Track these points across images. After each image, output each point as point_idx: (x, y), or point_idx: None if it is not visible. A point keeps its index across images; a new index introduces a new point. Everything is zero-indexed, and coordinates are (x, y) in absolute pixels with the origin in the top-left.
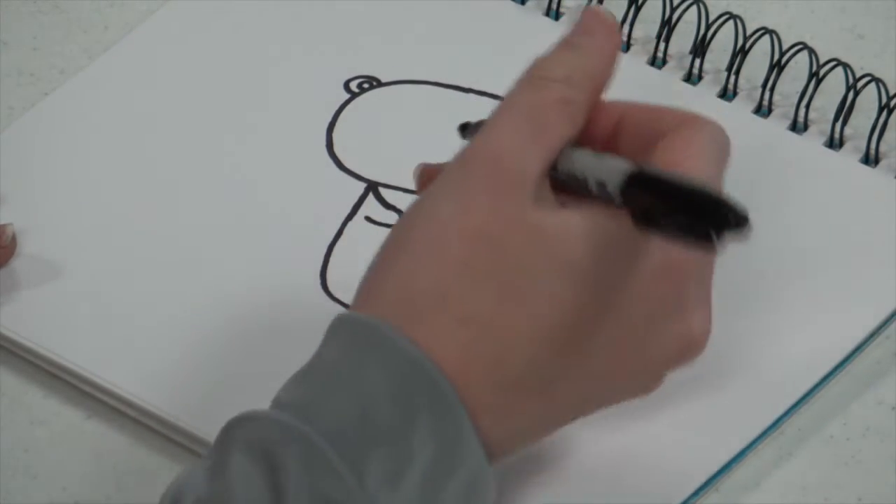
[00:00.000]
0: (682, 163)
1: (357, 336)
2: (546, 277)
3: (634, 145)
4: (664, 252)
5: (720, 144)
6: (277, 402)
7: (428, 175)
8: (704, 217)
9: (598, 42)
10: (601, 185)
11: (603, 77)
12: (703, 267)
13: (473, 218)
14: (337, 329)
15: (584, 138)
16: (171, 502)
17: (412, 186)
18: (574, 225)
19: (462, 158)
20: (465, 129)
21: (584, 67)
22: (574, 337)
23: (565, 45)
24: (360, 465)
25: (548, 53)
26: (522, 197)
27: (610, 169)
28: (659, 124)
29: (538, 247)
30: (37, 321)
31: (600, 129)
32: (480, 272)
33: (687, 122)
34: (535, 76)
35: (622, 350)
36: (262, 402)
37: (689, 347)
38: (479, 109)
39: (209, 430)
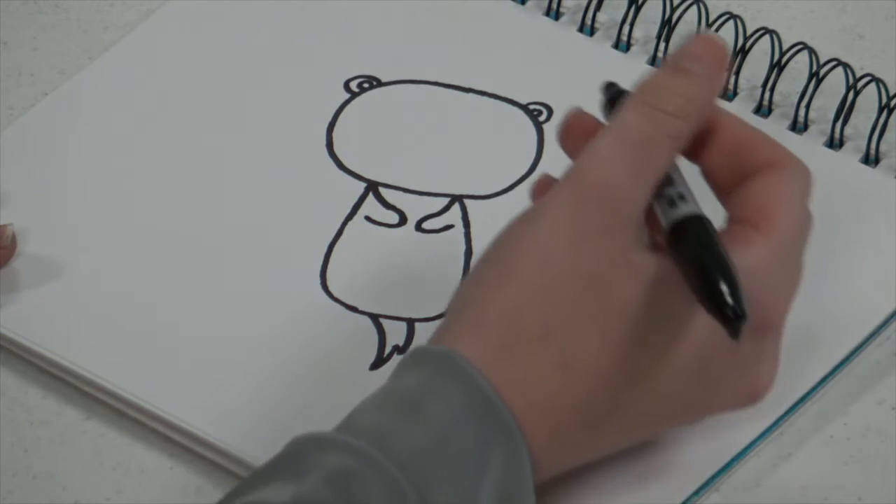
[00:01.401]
0: (771, 212)
1: (440, 368)
2: (644, 322)
3: (723, 163)
4: (752, 307)
5: (806, 190)
6: (353, 427)
7: (542, 187)
8: (711, 305)
9: (710, 70)
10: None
11: (710, 107)
12: (781, 324)
13: (585, 262)
14: (420, 359)
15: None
16: None
17: (412, 186)
18: (670, 271)
19: (574, 187)
20: (610, 89)
21: (696, 99)
22: (660, 383)
23: (677, 70)
24: (430, 499)
25: (660, 78)
26: (630, 237)
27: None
28: (754, 154)
29: (638, 287)
30: (37, 321)
31: (712, 151)
32: (587, 315)
33: (777, 162)
34: (649, 105)
35: (691, 396)
36: (261, 401)
37: (751, 398)
38: (480, 109)
39: (209, 430)
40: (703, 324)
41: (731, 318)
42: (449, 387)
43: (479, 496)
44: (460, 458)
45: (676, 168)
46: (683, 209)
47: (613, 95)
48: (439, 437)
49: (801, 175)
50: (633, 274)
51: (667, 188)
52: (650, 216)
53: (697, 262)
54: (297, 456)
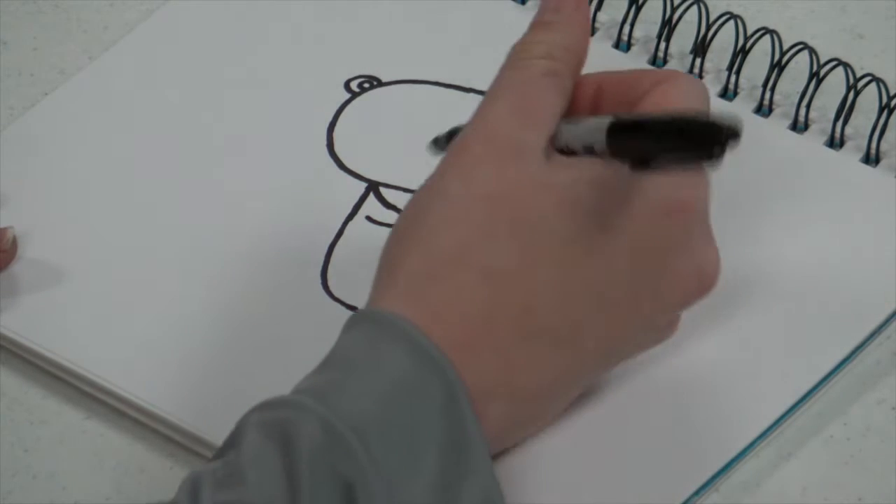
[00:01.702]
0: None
1: (374, 329)
2: (562, 226)
3: (619, 106)
4: (663, 193)
5: (698, 92)
6: (296, 389)
7: None
8: (696, 139)
9: (569, 16)
10: (589, 148)
11: (581, 47)
12: (701, 205)
13: (481, 185)
14: (354, 323)
15: (568, 113)
16: (190, 486)
17: (413, 186)
18: (581, 171)
19: (459, 142)
20: (437, 142)
21: (561, 41)
22: (593, 281)
23: (538, 25)
24: (376, 448)
25: (524, 36)
26: (525, 163)
27: (591, 129)
28: (637, 88)
29: (550, 198)
30: (37, 322)
31: (582, 102)
32: (499, 230)
33: (662, 78)
34: (516, 58)
35: (638, 291)
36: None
37: (701, 282)
38: None
39: (209, 430)
40: (631, 218)
41: (733, 127)
42: (378, 339)
43: (419, 433)
44: (392, 396)
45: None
46: (598, 130)
47: (437, 141)
48: (370, 383)
49: (692, 83)
50: (537, 185)
51: (575, 144)
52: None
53: (658, 123)
54: (238, 422)
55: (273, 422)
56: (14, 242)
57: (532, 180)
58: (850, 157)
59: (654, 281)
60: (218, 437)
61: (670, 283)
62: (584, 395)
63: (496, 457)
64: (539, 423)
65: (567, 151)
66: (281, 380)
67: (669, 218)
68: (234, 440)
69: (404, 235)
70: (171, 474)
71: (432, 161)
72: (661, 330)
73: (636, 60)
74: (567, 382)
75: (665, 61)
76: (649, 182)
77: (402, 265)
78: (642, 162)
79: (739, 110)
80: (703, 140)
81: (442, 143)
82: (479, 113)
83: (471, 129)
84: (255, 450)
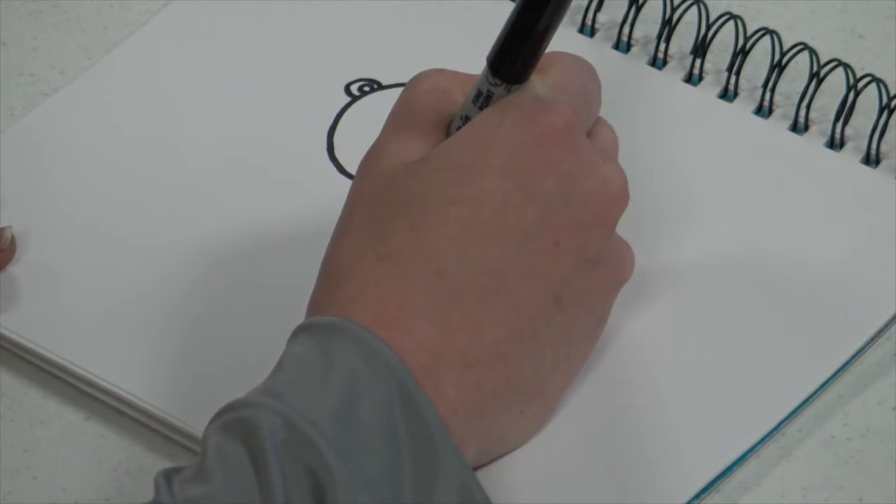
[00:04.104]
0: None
1: (319, 333)
2: (446, 188)
3: None
4: (539, 121)
5: (585, 66)
6: (249, 394)
7: None
8: None
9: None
10: (478, 96)
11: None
12: (578, 128)
13: (366, 189)
14: (299, 332)
15: None
16: (162, 480)
17: None
18: (452, 138)
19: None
20: None
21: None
22: (497, 228)
23: None
24: (337, 440)
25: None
26: (401, 166)
27: (480, 76)
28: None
29: (429, 170)
30: (37, 322)
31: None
32: (385, 217)
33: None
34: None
35: (545, 225)
36: None
37: (609, 194)
38: None
39: None
40: (517, 152)
41: None
42: (326, 341)
43: (376, 427)
44: (346, 392)
45: None
46: (483, 74)
47: None
48: (323, 381)
49: (574, 57)
50: (419, 168)
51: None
52: None
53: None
54: (203, 434)
55: (234, 421)
56: (13, 242)
57: (410, 166)
58: (850, 157)
59: (560, 207)
60: None
61: (579, 202)
62: (584, 397)
63: (494, 460)
64: (500, 398)
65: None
66: None
67: (546, 142)
68: (201, 448)
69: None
70: None
71: None
72: (592, 265)
73: (636, 61)
74: (518, 338)
75: (665, 62)
76: (511, 121)
77: (317, 291)
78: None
79: (739, 111)
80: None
81: None
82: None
83: (365, 156)
84: (219, 448)
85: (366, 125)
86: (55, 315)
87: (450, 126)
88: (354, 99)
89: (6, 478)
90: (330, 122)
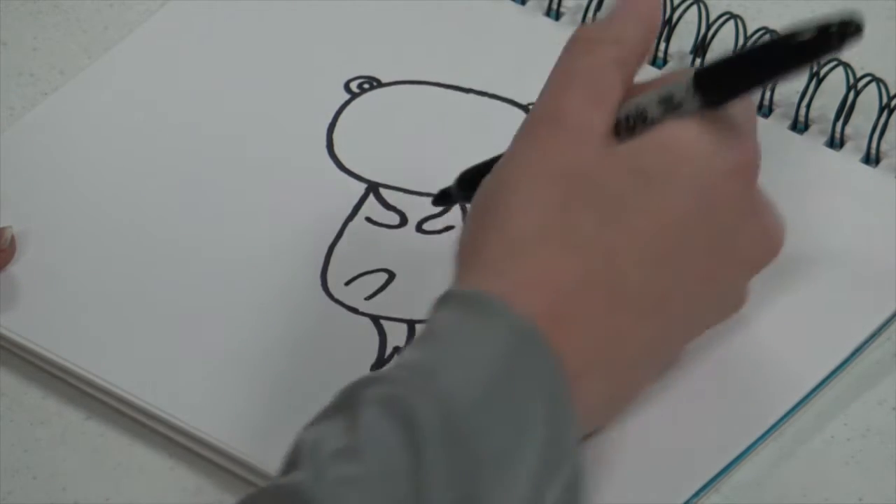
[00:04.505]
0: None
1: (471, 308)
2: (636, 195)
3: None
4: (733, 153)
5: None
6: (399, 364)
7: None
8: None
9: (642, 9)
10: (667, 99)
11: (647, 41)
12: (758, 163)
13: (555, 161)
14: (447, 301)
15: None
16: (310, 449)
17: (413, 187)
18: (644, 141)
19: (530, 125)
20: (444, 197)
21: (631, 31)
22: (672, 246)
23: (610, 14)
24: (486, 431)
25: (596, 23)
26: (595, 141)
27: (674, 81)
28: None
29: (621, 169)
30: (37, 322)
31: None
32: (575, 204)
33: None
34: (585, 40)
35: (714, 254)
36: (262, 401)
37: (772, 242)
38: (479, 109)
39: (209, 430)
40: (701, 179)
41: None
42: (477, 318)
43: (523, 415)
44: (496, 377)
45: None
46: (684, 75)
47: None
48: (473, 363)
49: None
50: (614, 161)
51: (648, 104)
52: None
53: (767, 52)
54: (346, 397)
55: (389, 399)
56: (13, 242)
57: (603, 156)
58: (850, 157)
59: (728, 242)
60: (218, 436)
61: (744, 244)
62: None
63: None
64: (628, 399)
65: (624, 127)
66: (281, 380)
67: (739, 176)
68: (343, 409)
69: (483, 220)
70: (171, 474)
71: (432, 162)
72: (737, 296)
73: None
74: (655, 353)
75: (665, 61)
76: (709, 144)
77: (484, 248)
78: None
79: None
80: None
81: (454, 193)
82: (549, 95)
83: (542, 112)
84: (373, 427)
85: (365, 122)
86: (55, 315)
87: (623, 102)
88: (354, 96)
89: (6, 478)
90: (329, 120)
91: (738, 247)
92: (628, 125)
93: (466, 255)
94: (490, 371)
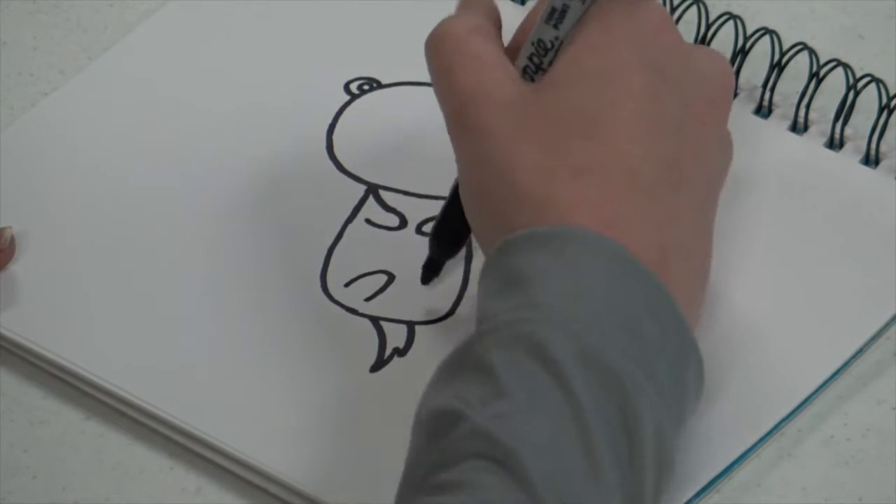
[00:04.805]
0: None
1: (558, 243)
2: (598, 97)
3: None
4: (648, 13)
5: None
6: (507, 309)
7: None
8: None
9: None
10: (552, 14)
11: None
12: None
13: (490, 125)
14: (523, 242)
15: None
16: (454, 405)
17: (413, 189)
18: (572, 54)
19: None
20: (430, 268)
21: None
22: (658, 115)
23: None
24: (612, 344)
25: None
26: (524, 87)
27: None
28: None
29: (564, 84)
30: (37, 322)
31: None
32: (547, 139)
33: None
34: (446, 37)
35: (686, 108)
36: (263, 401)
37: (725, 71)
38: None
39: (208, 430)
40: (640, 48)
41: None
42: (573, 250)
43: (646, 335)
44: (599, 293)
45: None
46: None
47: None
48: (607, 307)
49: None
50: (555, 89)
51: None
52: None
53: None
54: (458, 358)
55: (513, 338)
56: (13, 241)
57: (543, 88)
58: (849, 158)
59: (690, 88)
60: (218, 436)
61: (701, 81)
62: None
63: None
64: (704, 284)
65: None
66: (280, 380)
67: (662, 28)
68: (465, 368)
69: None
70: (171, 474)
71: (433, 164)
72: (725, 139)
73: None
74: (704, 222)
75: None
76: (624, 17)
77: (528, 193)
78: None
79: (739, 111)
80: None
81: (436, 255)
82: (451, 93)
83: (459, 105)
84: (510, 364)
85: (365, 124)
86: (55, 315)
87: (517, 55)
88: (354, 97)
89: (6, 478)
90: (329, 121)
91: (703, 87)
92: (534, 63)
93: (488, 237)
94: (593, 290)
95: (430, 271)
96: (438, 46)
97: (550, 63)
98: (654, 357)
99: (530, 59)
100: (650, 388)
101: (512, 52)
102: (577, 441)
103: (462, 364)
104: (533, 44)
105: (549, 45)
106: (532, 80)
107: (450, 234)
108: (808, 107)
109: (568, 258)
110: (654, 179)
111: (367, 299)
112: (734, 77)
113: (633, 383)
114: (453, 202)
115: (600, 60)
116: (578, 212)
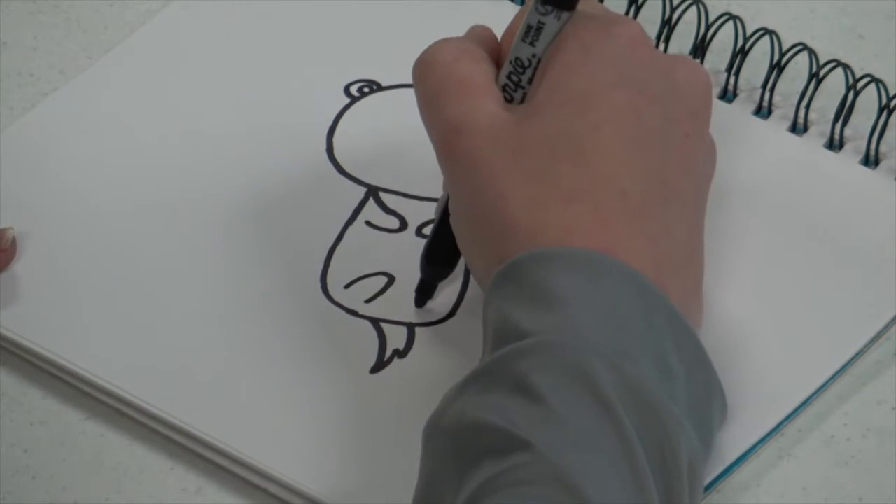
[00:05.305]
0: None
1: (585, 266)
2: (579, 117)
3: None
4: (621, 28)
5: None
6: (544, 332)
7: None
8: None
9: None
10: (527, 32)
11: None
12: (643, 34)
13: (475, 157)
14: (545, 261)
15: None
16: (499, 434)
17: (413, 191)
18: (552, 74)
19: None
20: (424, 290)
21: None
22: (647, 129)
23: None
24: (659, 378)
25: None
26: (508, 113)
27: (525, 15)
28: None
29: (545, 110)
30: (37, 322)
31: None
32: (533, 168)
33: None
34: (429, 62)
35: (668, 121)
36: (263, 402)
37: (705, 81)
38: None
39: (208, 430)
40: (614, 64)
41: None
42: (596, 273)
43: (668, 358)
44: (629, 316)
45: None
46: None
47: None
48: (634, 331)
49: None
50: (539, 112)
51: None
52: None
53: None
54: (496, 369)
55: (557, 366)
56: (14, 242)
57: (529, 112)
58: (849, 158)
59: (671, 99)
60: (218, 436)
61: (680, 94)
62: None
63: None
64: (698, 289)
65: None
66: (280, 381)
67: (637, 44)
68: (506, 383)
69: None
70: (171, 474)
71: (432, 166)
72: (709, 146)
73: None
74: (694, 233)
75: None
76: (599, 36)
77: (519, 220)
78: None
79: (739, 112)
80: None
81: (428, 276)
82: (439, 116)
83: (447, 131)
84: (557, 388)
85: (365, 126)
86: (55, 315)
87: (498, 75)
88: (354, 100)
89: (6, 478)
90: (329, 123)
91: (683, 99)
92: (513, 82)
93: (483, 268)
94: (624, 315)
95: (424, 294)
96: (424, 72)
97: (529, 81)
98: (682, 391)
99: (509, 77)
100: (686, 424)
101: (499, 65)
102: (629, 477)
103: (498, 378)
104: (511, 62)
105: (526, 63)
106: (512, 98)
107: (442, 255)
108: (807, 107)
109: (604, 287)
110: (643, 197)
111: (368, 301)
112: (710, 84)
113: (671, 419)
114: (443, 224)
115: (579, 82)
116: (570, 238)
